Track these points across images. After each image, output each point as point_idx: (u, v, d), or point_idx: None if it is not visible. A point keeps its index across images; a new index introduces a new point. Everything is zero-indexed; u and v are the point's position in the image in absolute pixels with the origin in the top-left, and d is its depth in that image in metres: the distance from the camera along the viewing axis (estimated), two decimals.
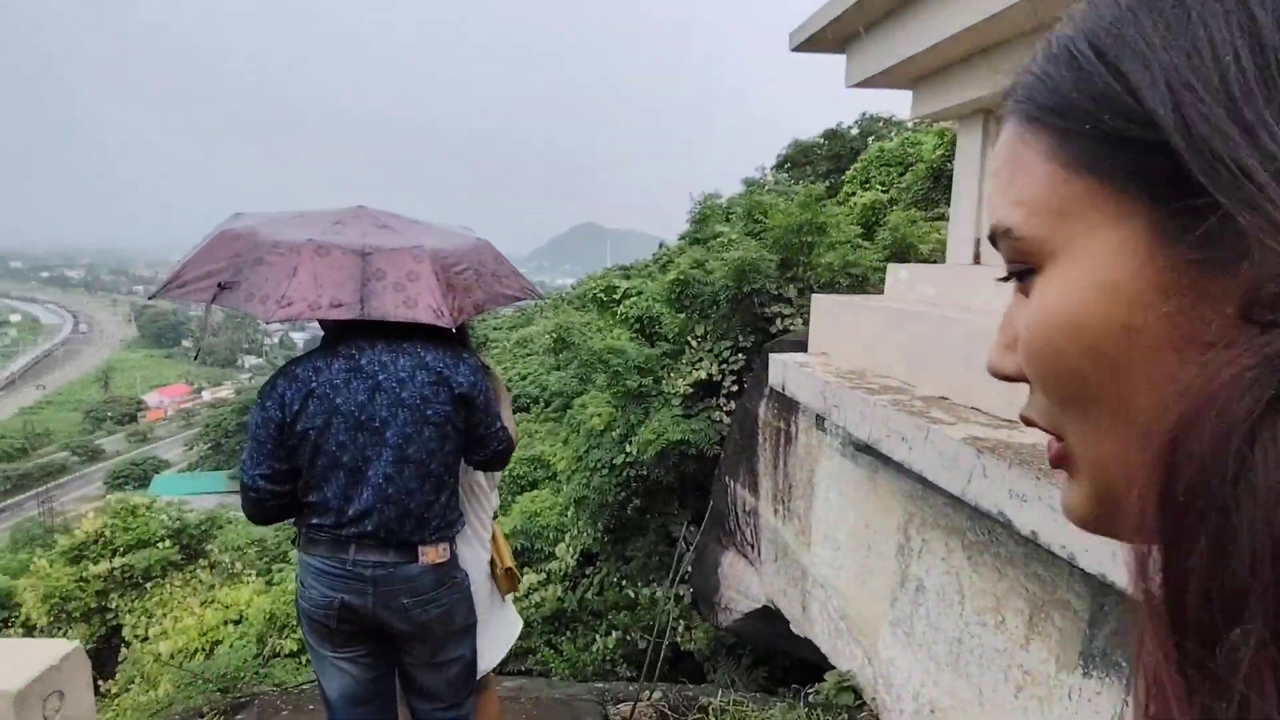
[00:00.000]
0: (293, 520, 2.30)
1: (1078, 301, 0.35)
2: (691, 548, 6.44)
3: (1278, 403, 0.27)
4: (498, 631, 2.64)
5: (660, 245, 21.87)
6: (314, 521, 2.17)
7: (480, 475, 2.55)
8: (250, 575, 13.41)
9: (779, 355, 4.37)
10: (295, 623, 8.76)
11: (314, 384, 2.08)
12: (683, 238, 14.55)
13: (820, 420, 4.00)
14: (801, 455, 4.35)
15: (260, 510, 2.23)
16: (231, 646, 8.25)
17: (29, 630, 15.48)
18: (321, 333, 2.22)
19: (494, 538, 2.65)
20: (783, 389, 4.19)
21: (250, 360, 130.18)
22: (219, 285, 1.94)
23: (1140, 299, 0.32)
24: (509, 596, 2.78)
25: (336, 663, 2.27)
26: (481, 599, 2.47)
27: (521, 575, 7.45)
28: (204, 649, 8.63)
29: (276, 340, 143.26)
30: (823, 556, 4.04)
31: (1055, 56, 0.36)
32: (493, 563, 2.62)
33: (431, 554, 2.20)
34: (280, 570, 12.75)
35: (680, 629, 6.93)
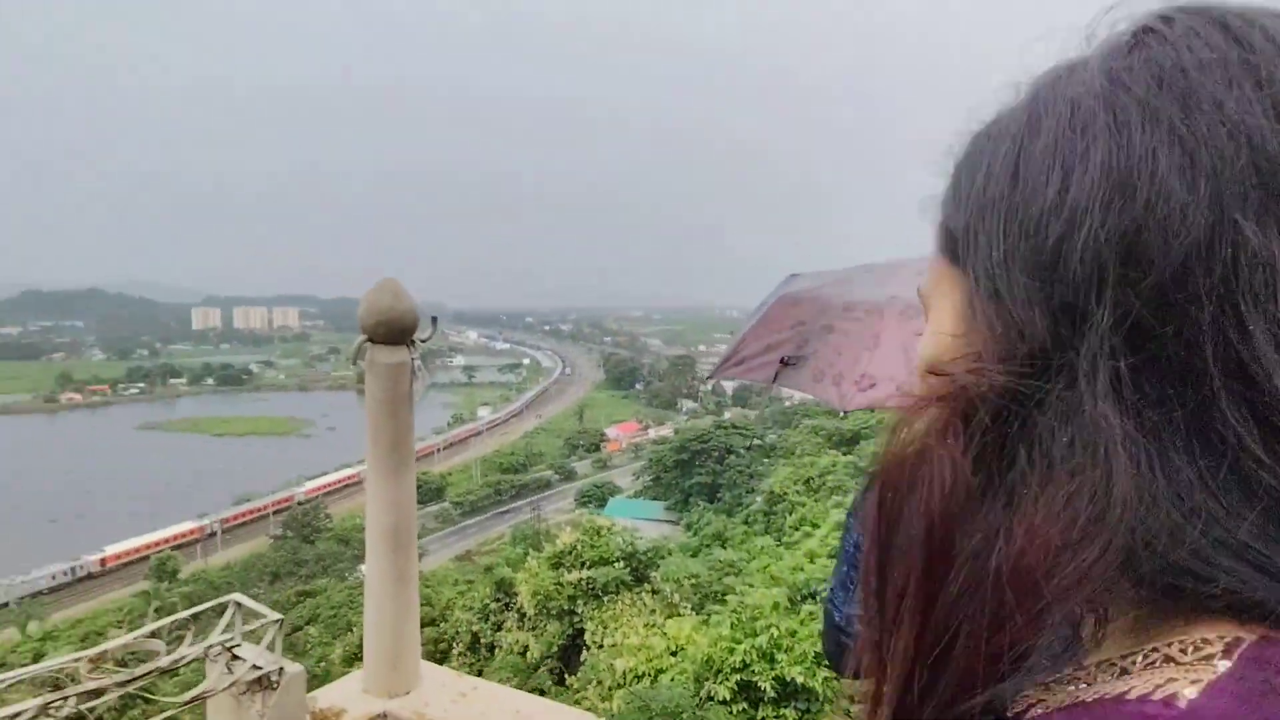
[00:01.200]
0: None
1: (929, 344, 0.49)
2: None
3: (949, 431, 0.37)
4: None
5: None
6: None
7: None
8: (685, 608, 14.32)
9: None
10: (727, 670, 8.91)
11: None
12: None
13: None
14: None
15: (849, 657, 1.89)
16: (673, 680, 8.76)
17: (521, 617, 19.13)
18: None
19: None
20: None
21: (687, 404, 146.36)
22: (781, 361, 1.71)
23: (960, 347, 0.43)
24: None
25: None
26: None
27: None
28: (650, 674, 9.35)
29: (709, 387, 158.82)
30: None
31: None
32: None
33: None
34: (716, 612, 13.41)
35: None
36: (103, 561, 65.28)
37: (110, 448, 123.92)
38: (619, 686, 10.19)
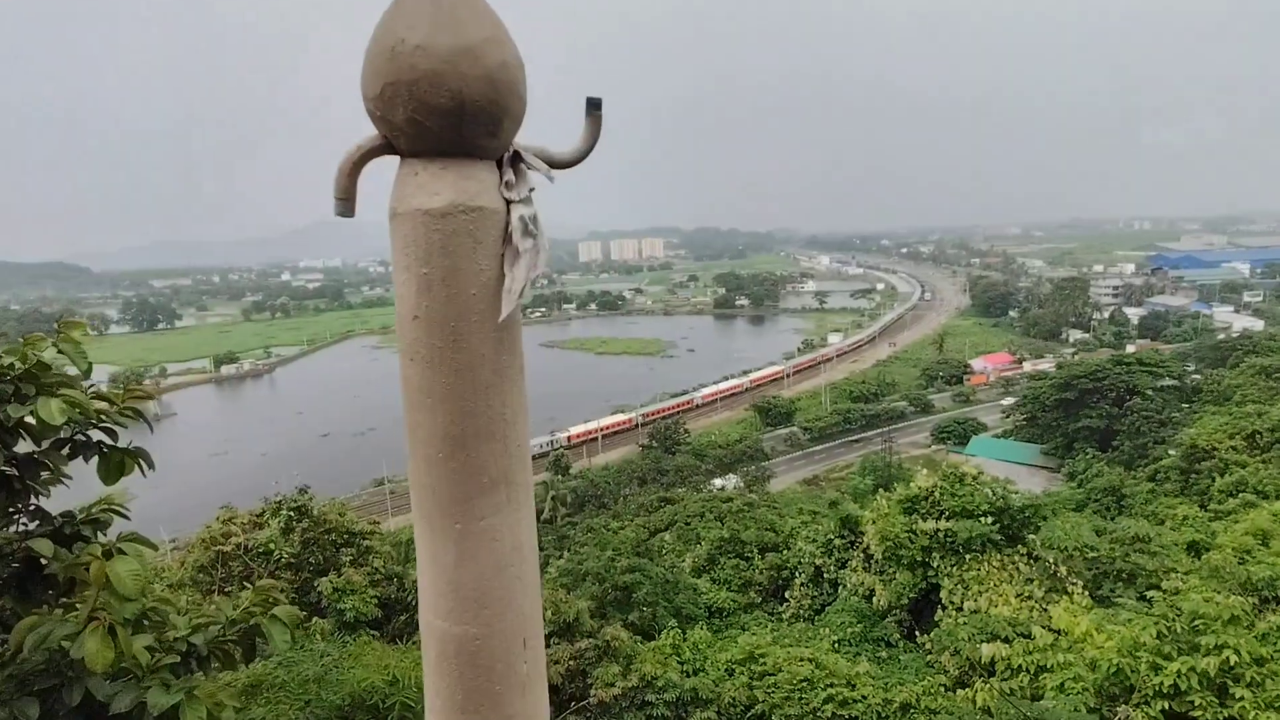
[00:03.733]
0: None
1: None
2: None
3: None
4: None
5: None
6: None
7: None
8: (1075, 585, 11.59)
9: None
10: (1149, 692, 6.58)
11: None
12: None
13: None
14: None
15: None
16: (1062, 687, 6.78)
17: (867, 559, 17.79)
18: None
19: None
20: None
21: (1075, 335, 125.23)
22: None
23: None
24: None
25: None
26: None
27: None
28: (1028, 670, 7.44)
29: (1106, 315, 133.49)
30: None
31: None
32: None
33: None
34: (1120, 600, 10.52)
35: None
36: (568, 439, 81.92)
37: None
38: (984, 674, 8.44)
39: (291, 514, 8.88)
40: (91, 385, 3.32)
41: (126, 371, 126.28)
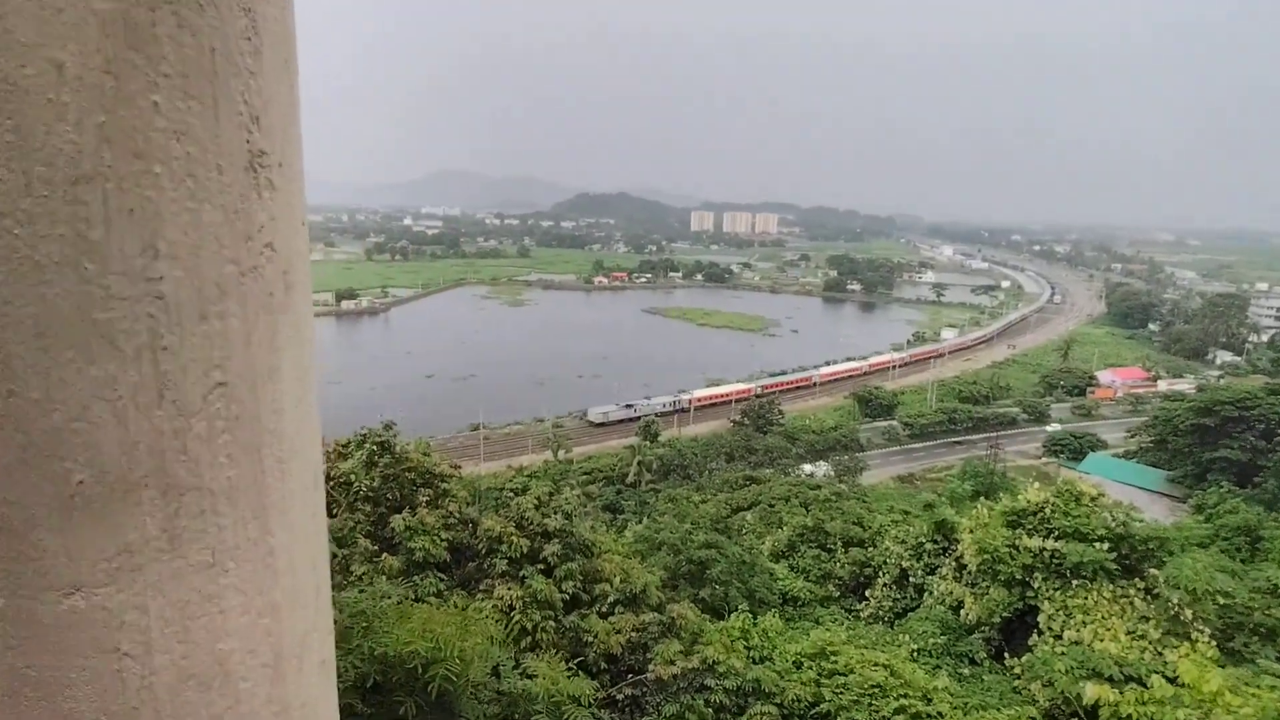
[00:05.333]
0: None
1: None
2: None
3: None
4: None
5: None
6: None
7: None
8: (1202, 633, 10.32)
9: None
10: None
11: None
12: None
13: None
14: None
15: None
16: None
17: (960, 568, 16.68)
18: None
19: None
20: None
21: (1224, 356, 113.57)
22: None
23: None
24: None
25: None
26: None
27: None
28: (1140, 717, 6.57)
29: (1264, 339, 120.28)
30: None
31: None
32: None
33: None
34: (1252, 650, 9.22)
35: None
36: (690, 402, 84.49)
37: (623, 325, 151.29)
38: (1083, 717, 7.58)
39: (375, 448, 8.99)
40: None
41: None
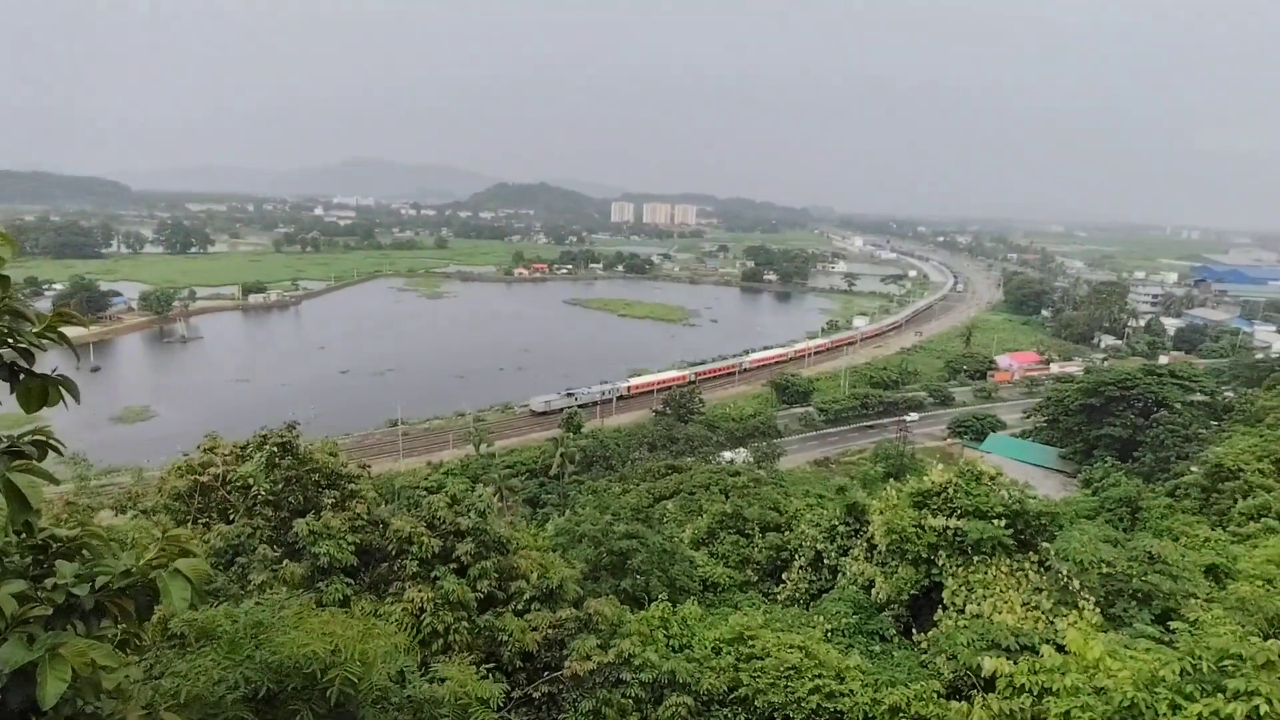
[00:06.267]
0: None
1: None
2: None
3: None
4: None
5: None
6: None
7: None
8: (1088, 601, 11.04)
9: None
10: None
11: None
12: None
13: None
14: None
15: None
16: (1069, 717, 6.28)
17: (871, 549, 17.32)
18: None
19: None
20: None
21: (1107, 340, 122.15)
22: None
23: None
24: None
25: None
26: None
27: None
28: (1031, 691, 6.94)
29: (1142, 323, 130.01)
30: None
31: None
32: None
33: None
34: (1130, 615, 9.93)
35: None
36: (630, 389, 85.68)
37: (545, 316, 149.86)
38: (983, 688, 7.97)
39: (276, 450, 8.54)
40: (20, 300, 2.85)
41: (156, 291, 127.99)
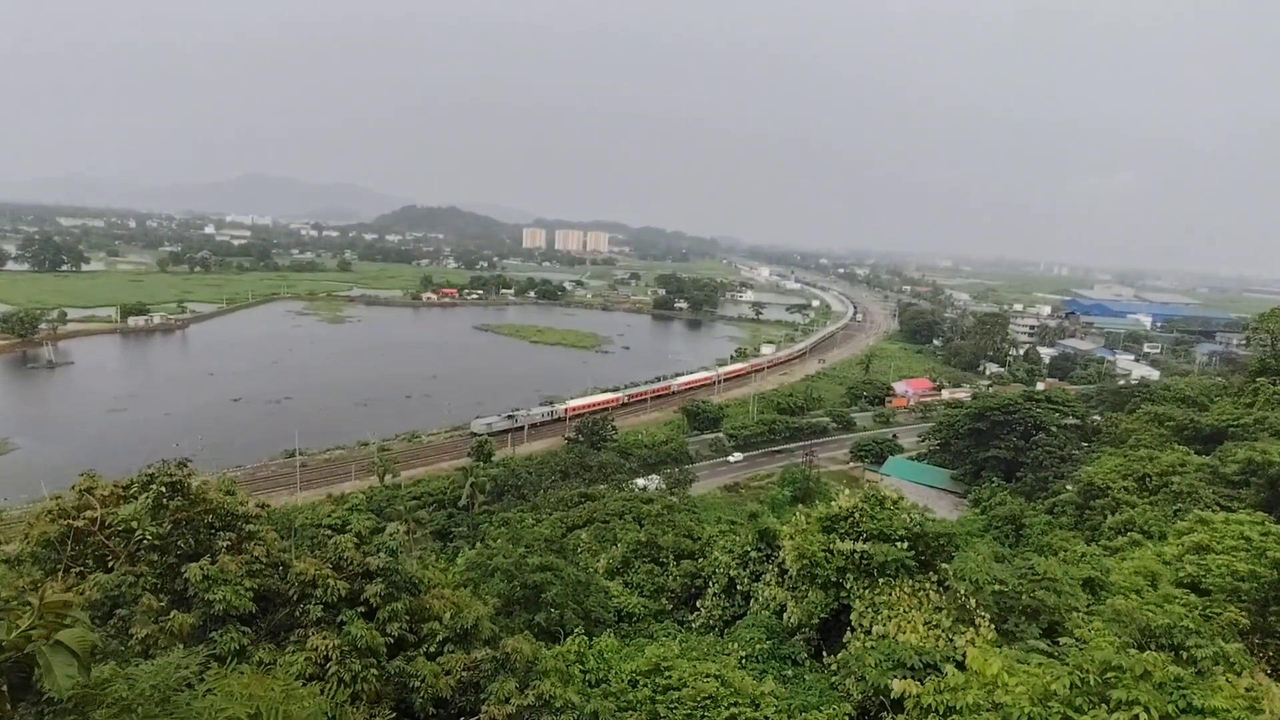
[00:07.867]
0: None
1: None
2: None
3: None
4: None
5: None
6: None
7: None
8: (983, 618, 11.62)
9: None
10: None
11: None
12: None
13: None
14: None
15: None
16: None
17: (782, 574, 17.67)
18: None
19: None
20: None
21: (991, 368, 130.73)
22: None
23: None
24: None
25: None
26: None
27: None
28: (938, 710, 7.24)
29: (1021, 352, 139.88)
30: None
31: None
32: None
33: None
34: (1021, 630, 10.52)
35: None
36: (566, 411, 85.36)
37: (452, 343, 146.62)
38: (891, 709, 8.24)
39: (164, 489, 7.93)
40: None
41: (19, 311, 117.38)
